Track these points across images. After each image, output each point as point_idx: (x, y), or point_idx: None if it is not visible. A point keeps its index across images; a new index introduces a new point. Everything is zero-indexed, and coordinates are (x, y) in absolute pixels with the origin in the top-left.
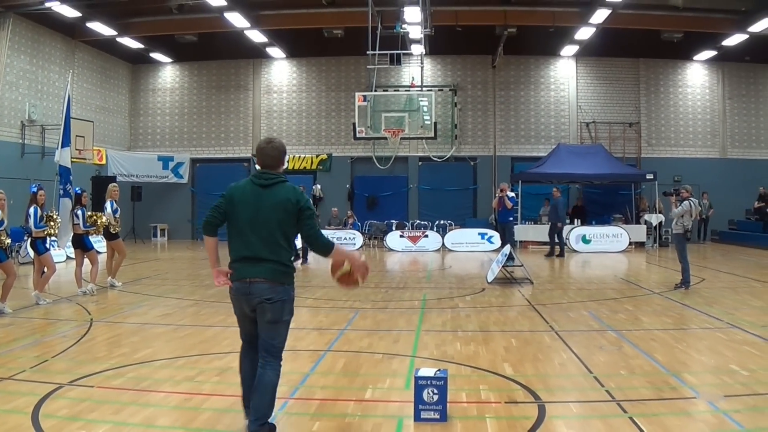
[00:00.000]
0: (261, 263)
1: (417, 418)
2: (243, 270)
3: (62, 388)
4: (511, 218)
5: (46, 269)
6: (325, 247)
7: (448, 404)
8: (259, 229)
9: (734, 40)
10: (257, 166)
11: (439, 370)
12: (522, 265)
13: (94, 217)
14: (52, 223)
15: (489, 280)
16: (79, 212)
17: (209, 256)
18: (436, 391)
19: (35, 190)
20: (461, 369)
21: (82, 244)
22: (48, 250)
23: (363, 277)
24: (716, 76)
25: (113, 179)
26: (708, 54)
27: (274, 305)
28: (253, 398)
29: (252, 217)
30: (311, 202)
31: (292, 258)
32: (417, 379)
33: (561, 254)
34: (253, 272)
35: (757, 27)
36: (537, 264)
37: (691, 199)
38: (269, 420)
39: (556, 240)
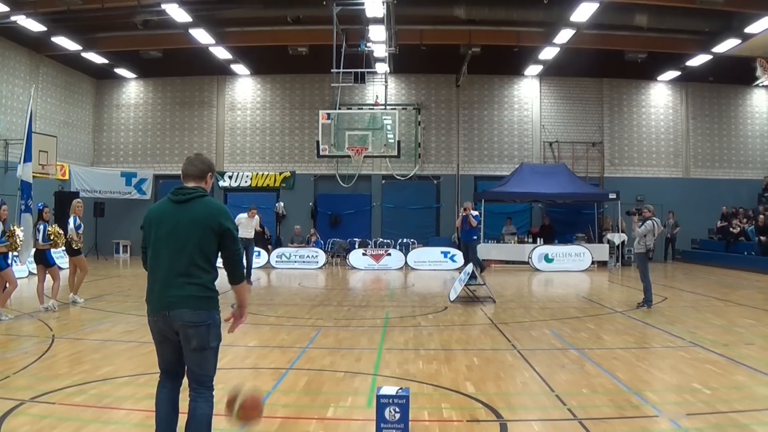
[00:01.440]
0: (181, 288)
1: None
2: (162, 296)
3: (23, 404)
4: (475, 237)
5: (7, 285)
6: (238, 278)
7: (410, 423)
8: (176, 250)
9: (698, 60)
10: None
11: (401, 388)
12: (484, 284)
13: (53, 233)
14: (14, 239)
15: (451, 299)
16: (41, 227)
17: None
18: (398, 409)
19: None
20: (423, 387)
21: (44, 260)
22: (9, 265)
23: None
24: (680, 96)
25: (76, 195)
26: (672, 74)
27: (198, 330)
28: None
29: (168, 237)
30: (235, 223)
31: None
32: (379, 397)
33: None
34: (173, 298)
35: (721, 48)
36: (499, 283)
37: (654, 218)
38: None
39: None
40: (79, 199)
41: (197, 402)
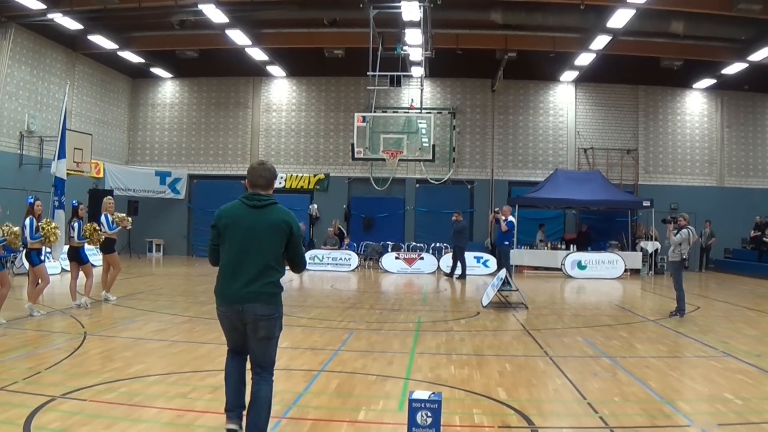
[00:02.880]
0: (253, 284)
1: None
2: (233, 294)
3: (54, 400)
4: (507, 242)
5: (40, 281)
6: (302, 267)
7: (441, 428)
8: (252, 250)
9: (734, 68)
10: (247, 188)
11: (433, 393)
12: (517, 290)
13: (88, 230)
14: (50, 234)
15: (484, 304)
16: (76, 225)
17: None
18: (429, 414)
19: (32, 201)
20: (455, 392)
21: (77, 257)
22: (42, 261)
23: None
24: (715, 105)
25: (110, 192)
26: (707, 82)
27: (268, 322)
28: (251, 415)
29: (245, 239)
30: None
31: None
32: (411, 401)
33: (462, 276)
34: (245, 296)
35: (757, 56)
36: (532, 289)
37: (689, 227)
38: None
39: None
40: (110, 197)
41: (260, 385)
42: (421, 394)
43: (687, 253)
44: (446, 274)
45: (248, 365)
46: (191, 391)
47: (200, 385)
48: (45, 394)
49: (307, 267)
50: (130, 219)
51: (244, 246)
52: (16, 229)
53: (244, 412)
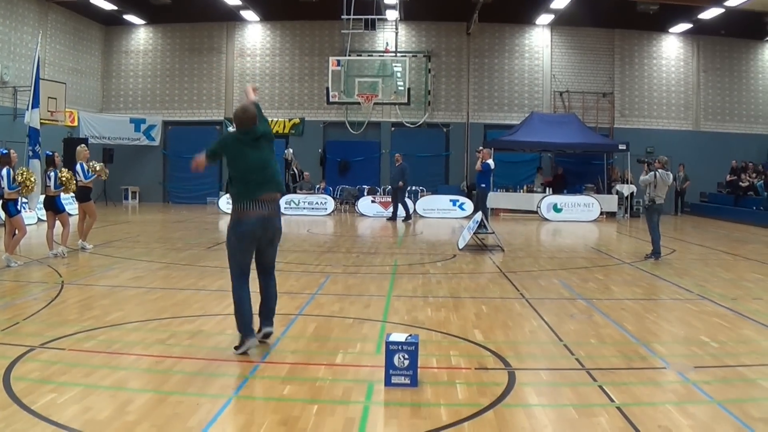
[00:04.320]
0: (272, 204)
1: (387, 382)
2: (263, 210)
3: (33, 350)
4: (483, 185)
5: (17, 231)
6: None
7: (418, 369)
8: (266, 178)
9: (710, 13)
10: (231, 128)
11: (410, 335)
12: (493, 233)
13: (64, 178)
14: (29, 180)
15: (460, 247)
16: (52, 174)
17: (200, 162)
18: (407, 356)
19: (5, 152)
20: (432, 335)
21: (54, 206)
22: (19, 212)
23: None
24: (691, 49)
25: (85, 141)
26: (683, 27)
27: (280, 232)
28: (269, 303)
29: (258, 168)
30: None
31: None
32: (388, 344)
33: (407, 218)
34: (271, 211)
35: (733, 1)
36: (508, 232)
37: (659, 170)
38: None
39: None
40: (84, 145)
41: (269, 282)
42: (398, 336)
43: (657, 197)
44: (388, 219)
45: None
46: (169, 337)
47: (178, 331)
48: (24, 345)
49: (283, 212)
50: (107, 170)
51: (259, 173)
52: (29, 176)
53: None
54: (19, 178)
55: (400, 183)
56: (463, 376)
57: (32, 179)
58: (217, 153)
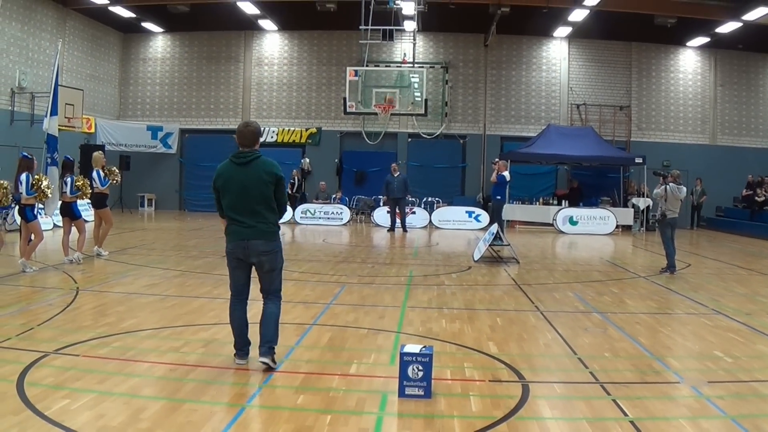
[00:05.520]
0: (254, 225)
1: (401, 393)
2: (240, 232)
3: (47, 356)
4: (499, 197)
5: (33, 237)
6: (282, 212)
7: (432, 381)
8: (246, 200)
9: (728, 27)
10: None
11: (424, 346)
12: (509, 245)
13: (80, 184)
14: (45, 186)
15: (475, 259)
16: (68, 180)
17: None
18: (421, 367)
19: (29, 156)
20: (446, 346)
21: (70, 212)
22: (36, 217)
23: None
24: (708, 63)
25: (101, 148)
26: (701, 40)
27: (269, 257)
28: (261, 329)
29: (239, 191)
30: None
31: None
32: (402, 355)
33: (404, 229)
34: (249, 234)
35: (751, 15)
36: (524, 244)
37: (671, 184)
38: (274, 346)
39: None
40: (100, 152)
41: (268, 305)
42: (413, 347)
43: (669, 210)
44: (404, 230)
45: (250, 306)
46: (183, 345)
47: (192, 339)
48: (38, 350)
49: (299, 221)
50: (119, 172)
51: (240, 197)
52: (4, 182)
53: (250, 347)
54: (36, 184)
55: (409, 197)
56: (477, 388)
57: (47, 185)
58: (215, 187)
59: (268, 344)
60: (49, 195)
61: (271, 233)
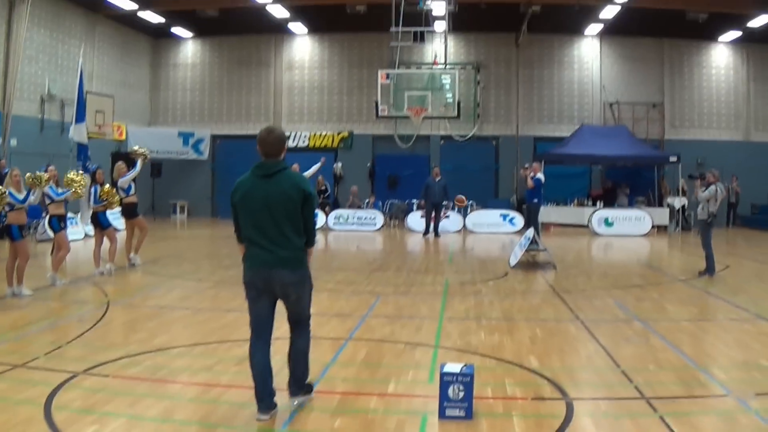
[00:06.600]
0: (278, 250)
1: (442, 415)
2: (260, 258)
3: (76, 377)
4: (536, 200)
5: (60, 248)
6: (312, 241)
7: (473, 400)
8: (269, 220)
9: (759, 21)
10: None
11: (465, 365)
12: (545, 250)
13: (104, 194)
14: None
15: (512, 265)
16: (92, 190)
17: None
18: (462, 387)
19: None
20: (486, 361)
21: (97, 222)
22: (63, 228)
23: None
24: (741, 58)
25: (123, 156)
26: (733, 35)
27: (296, 287)
28: (290, 364)
29: (261, 209)
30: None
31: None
32: (443, 375)
33: (436, 234)
34: (271, 261)
35: None
36: (560, 247)
37: (718, 183)
38: (306, 382)
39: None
40: (121, 162)
41: (296, 337)
42: (453, 367)
43: (716, 211)
44: (436, 234)
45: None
46: (216, 363)
47: (226, 357)
48: (67, 370)
49: (332, 227)
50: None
51: (261, 216)
52: (79, 178)
53: (276, 398)
54: (67, 181)
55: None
56: (519, 407)
57: (80, 181)
58: (233, 203)
59: (298, 383)
60: (82, 193)
61: (298, 261)
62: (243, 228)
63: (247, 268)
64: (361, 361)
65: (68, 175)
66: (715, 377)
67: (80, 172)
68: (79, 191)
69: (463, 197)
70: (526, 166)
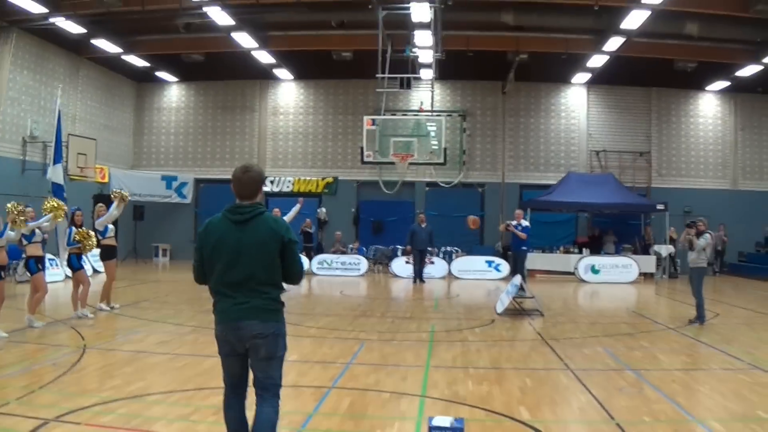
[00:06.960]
0: (249, 300)
1: None
2: (230, 312)
3: (47, 424)
4: (524, 247)
5: (35, 290)
6: (298, 279)
7: None
8: (242, 271)
9: (748, 71)
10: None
11: (455, 419)
12: (533, 297)
13: (79, 236)
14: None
15: (498, 311)
16: (68, 231)
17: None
18: None
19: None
20: (475, 412)
21: (71, 264)
22: (41, 270)
23: None
24: (729, 107)
25: (104, 198)
26: (721, 84)
27: (266, 340)
28: None
29: (233, 259)
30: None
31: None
32: (431, 429)
33: (421, 280)
34: (241, 313)
35: None
36: (546, 294)
37: (709, 231)
38: None
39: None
40: (101, 204)
41: (263, 407)
42: (442, 420)
43: (711, 258)
44: (421, 280)
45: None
46: (193, 412)
47: (203, 405)
48: (38, 417)
49: (316, 272)
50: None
51: (234, 266)
52: (59, 204)
53: None
54: (77, 237)
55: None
56: None
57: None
58: (198, 248)
59: None
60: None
61: (271, 311)
62: (213, 278)
63: (217, 322)
64: (345, 412)
65: (48, 203)
66: (714, 430)
67: (86, 231)
68: (59, 215)
69: (477, 218)
70: (507, 223)
